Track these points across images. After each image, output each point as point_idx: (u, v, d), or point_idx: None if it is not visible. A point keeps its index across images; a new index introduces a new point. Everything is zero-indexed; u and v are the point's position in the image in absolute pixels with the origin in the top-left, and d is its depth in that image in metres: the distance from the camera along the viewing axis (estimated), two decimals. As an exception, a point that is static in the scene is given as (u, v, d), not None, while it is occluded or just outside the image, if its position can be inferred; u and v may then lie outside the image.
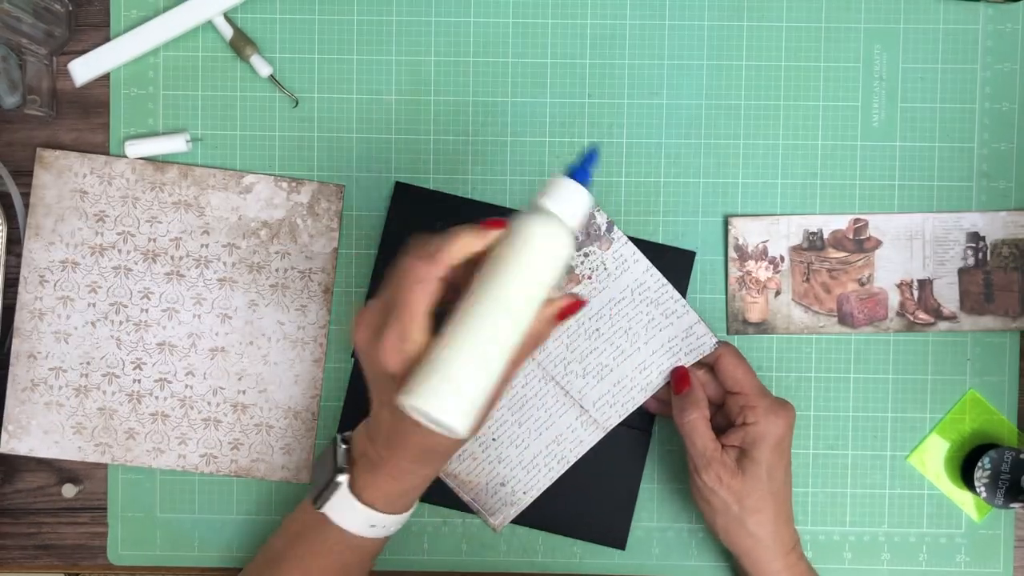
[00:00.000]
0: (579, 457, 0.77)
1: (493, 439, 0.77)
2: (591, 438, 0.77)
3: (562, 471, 0.77)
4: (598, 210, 0.74)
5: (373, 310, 0.60)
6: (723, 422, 0.76)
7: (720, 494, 0.72)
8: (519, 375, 0.70)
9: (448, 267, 0.57)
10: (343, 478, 0.66)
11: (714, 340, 0.75)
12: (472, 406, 0.55)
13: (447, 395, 0.54)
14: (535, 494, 0.77)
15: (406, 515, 0.69)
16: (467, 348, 0.54)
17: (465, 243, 0.58)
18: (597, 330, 0.76)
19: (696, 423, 0.73)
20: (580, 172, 0.59)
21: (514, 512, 0.78)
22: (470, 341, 0.55)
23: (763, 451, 0.72)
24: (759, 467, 0.72)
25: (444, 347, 0.55)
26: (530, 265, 0.56)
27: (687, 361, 0.76)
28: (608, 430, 0.77)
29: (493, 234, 0.58)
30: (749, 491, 0.72)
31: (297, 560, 0.69)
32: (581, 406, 0.76)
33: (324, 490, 0.67)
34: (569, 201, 0.58)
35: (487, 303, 0.55)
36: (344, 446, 0.68)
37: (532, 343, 0.59)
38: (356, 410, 0.80)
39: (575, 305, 0.60)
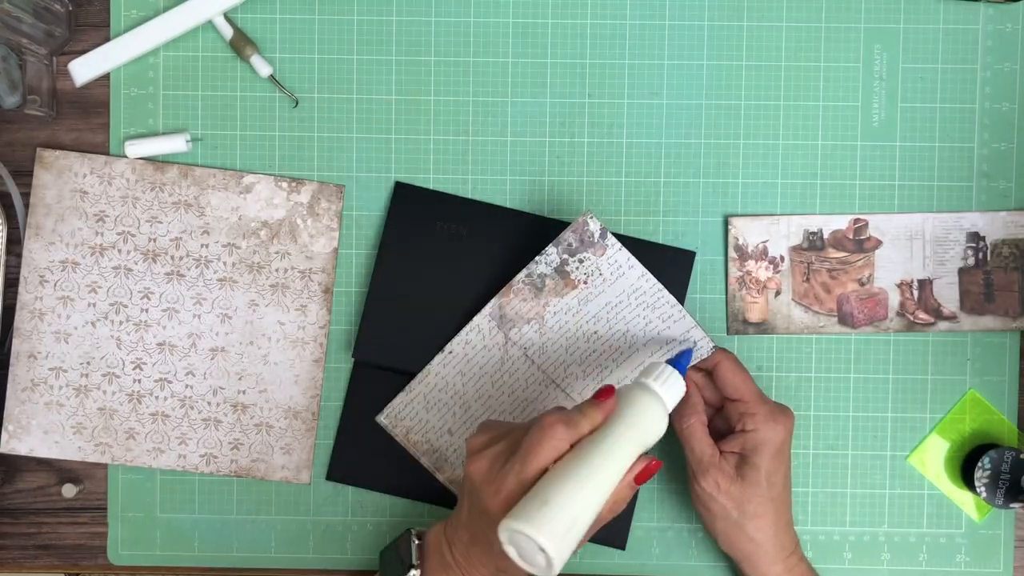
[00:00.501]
0: None
1: None
2: None
3: None
4: (592, 217, 0.74)
5: (495, 444, 0.66)
6: (721, 426, 0.76)
7: (719, 500, 0.72)
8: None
9: (576, 439, 0.65)
10: (415, 573, 0.69)
11: (711, 345, 0.74)
12: (568, 543, 0.61)
13: (552, 524, 0.60)
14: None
15: None
16: (576, 491, 0.62)
17: (594, 416, 0.66)
18: (595, 332, 0.76)
19: (694, 428, 0.73)
20: (680, 364, 0.70)
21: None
22: (580, 486, 0.62)
23: (763, 457, 0.72)
24: (759, 473, 0.72)
25: (555, 487, 0.62)
26: (636, 436, 0.66)
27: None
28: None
29: (610, 406, 0.67)
30: (748, 497, 0.72)
31: None
32: None
33: None
34: (671, 388, 0.69)
35: (597, 460, 0.63)
36: (417, 541, 0.71)
37: (617, 501, 0.66)
38: (356, 410, 0.80)
39: (653, 467, 0.67)
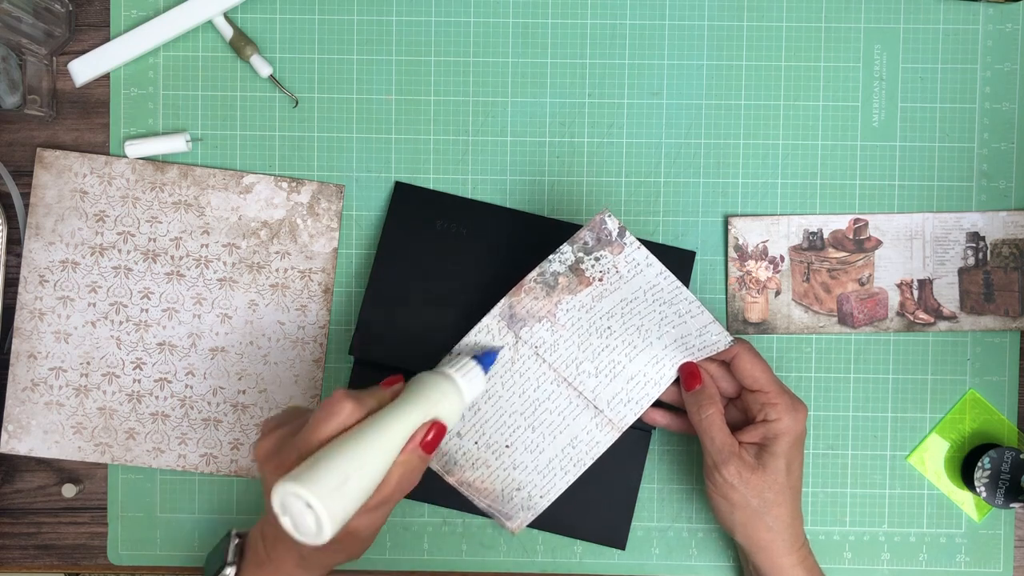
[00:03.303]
0: (595, 459, 0.76)
1: (507, 446, 0.76)
2: (607, 439, 0.76)
3: (579, 474, 0.76)
4: (609, 215, 0.74)
5: (282, 425, 0.66)
6: (737, 416, 0.76)
7: (740, 489, 0.72)
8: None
9: (363, 415, 0.64)
10: (230, 571, 0.69)
11: (729, 339, 0.74)
12: (339, 501, 0.59)
13: (319, 479, 0.59)
14: (552, 497, 0.76)
15: None
16: (348, 450, 0.61)
17: (381, 394, 0.66)
18: (608, 328, 0.75)
19: (713, 419, 0.73)
20: (486, 361, 0.72)
21: (531, 516, 0.76)
22: (353, 445, 0.61)
23: (783, 446, 0.72)
24: (779, 462, 0.72)
25: (328, 449, 0.61)
26: (421, 407, 0.65)
27: (700, 356, 0.75)
28: (623, 430, 0.76)
29: (398, 388, 0.67)
30: (768, 485, 0.72)
31: None
32: (595, 406, 0.75)
33: None
34: (471, 379, 0.70)
35: (376, 424, 0.63)
36: (237, 540, 0.70)
37: (407, 472, 0.65)
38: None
39: (439, 429, 0.66)
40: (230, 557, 0.69)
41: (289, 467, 0.62)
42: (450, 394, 0.67)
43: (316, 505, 0.58)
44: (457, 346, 0.75)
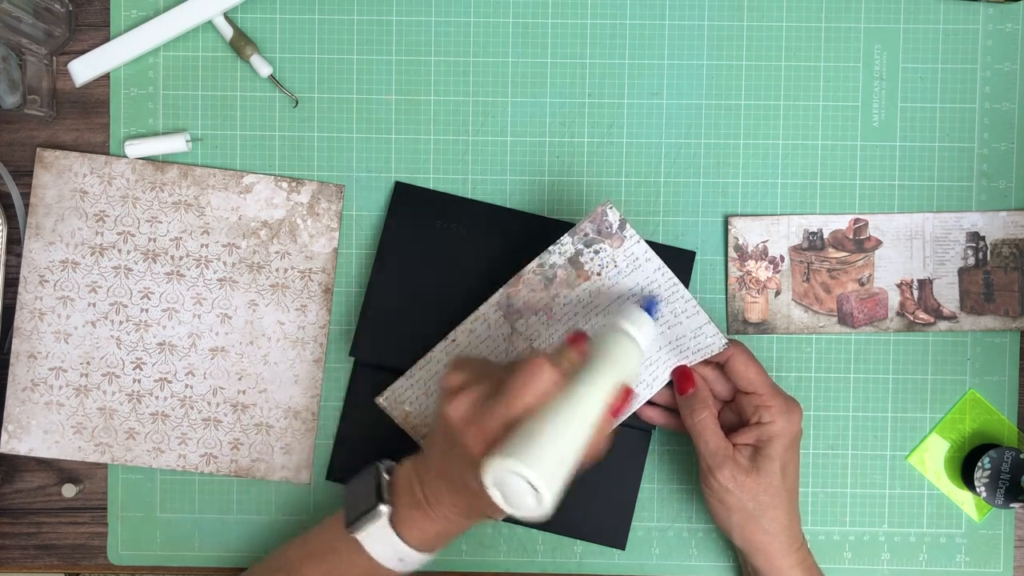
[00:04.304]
0: None
1: None
2: None
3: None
4: (611, 207, 0.74)
5: (475, 385, 0.64)
6: (732, 418, 0.76)
7: (735, 493, 0.72)
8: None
9: (564, 376, 0.63)
10: (386, 509, 0.67)
11: (724, 341, 0.74)
12: (558, 479, 0.60)
13: (542, 460, 0.59)
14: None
15: (432, 556, 0.70)
16: (563, 427, 0.61)
17: (573, 358, 0.65)
18: (604, 326, 0.75)
19: (706, 422, 0.73)
20: (651, 308, 0.71)
21: None
22: (566, 422, 0.61)
23: (778, 448, 0.72)
24: (774, 464, 0.72)
25: (541, 425, 0.60)
26: (613, 372, 0.64)
27: (694, 360, 0.75)
28: (614, 426, 0.76)
29: (586, 349, 0.66)
30: (764, 488, 0.72)
31: None
32: None
33: (362, 516, 0.68)
34: (643, 328, 0.68)
35: (580, 395, 0.62)
36: (387, 476, 0.69)
37: (597, 439, 0.64)
38: (356, 410, 0.80)
39: (628, 394, 0.65)
40: (385, 493, 0.68)
41: (495, 436, 0.61)
42: (632, 352, 0.67)
43: (540, 486, 0.58)
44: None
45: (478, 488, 0.60)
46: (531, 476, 0.58)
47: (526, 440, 0.59)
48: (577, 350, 0.65)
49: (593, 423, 0.62)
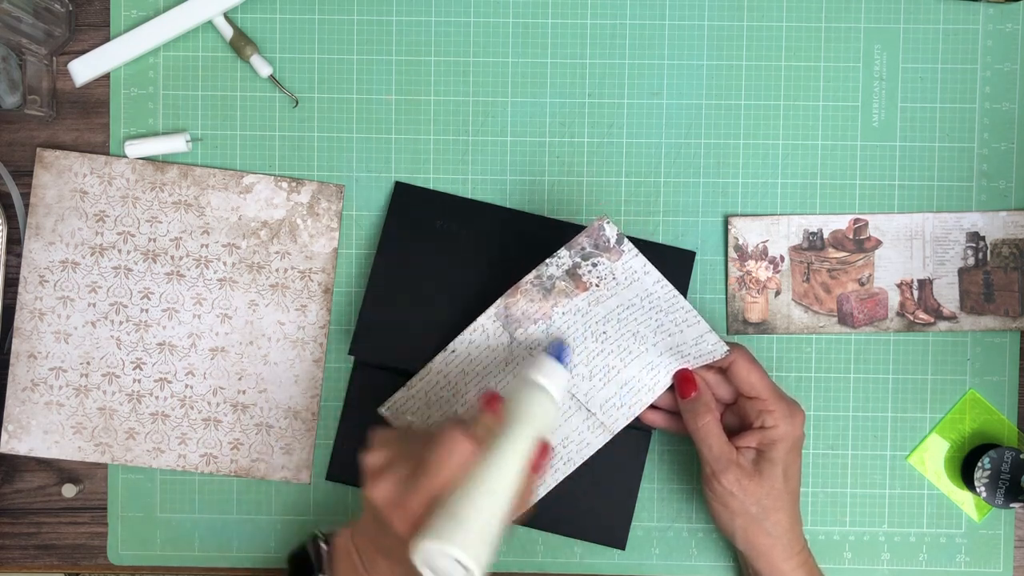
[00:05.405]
0: (585, 459, 0.77)
1: None
2: (598, 441, 0.76)
3: (568, 472, 0.77)
4: (608, 222, 0.74)
5: (395, 465, 0.64)
6: (733, 421, 0.76)
7: (739, 497, 0.72)
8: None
9: (481, 445, 0.63)
10: None
11: (725, 349, 0.74)
12: (485, 550, 0.60)
13: (467, 536, 0.59)
14: (540, 494, 0.77)
15: None
16: (484, 498, 0.61)
17: (489, 423, 0.65)
18: (604, 333, 0.75)
19: (710, 427, 0.73)
20: (561, 355, 0.71)
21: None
22: (487, 492, 0.61)
23: (781, 452, 0.72)
24: (777, 468, 0.72)
25: (463, 499, 0.61)
26: (531, 431, 0.65)
27: (695, 365, 0.75)
28: (615, 432, 0.76)
29: (501, 410, 0.66)
30: (766, 492, 0.72)
31: None
32: (588, 409, 0.76)
33: None
34: (556, 378, 0.69)
35: (499, 462, 0.63)
36: (325, 546, 0.70)
37: (523, 495, 0.65)
38: (356, 410, 0.80)
39: (546, 450, 0.66)
40: (325, 566, 0.69)
41: (419, 516, 0.61)
42: (546, 404, 0.68)
43: (468, 562, 0.59)
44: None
45: (411, 562, 0.61)
46: (458, 555, 0.58)
47: (449, 518, 0.60)
48: (491, 412, 0.65)
49: (514, 486, 0.63)
